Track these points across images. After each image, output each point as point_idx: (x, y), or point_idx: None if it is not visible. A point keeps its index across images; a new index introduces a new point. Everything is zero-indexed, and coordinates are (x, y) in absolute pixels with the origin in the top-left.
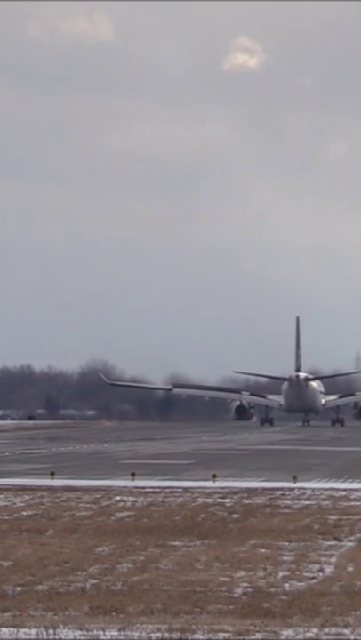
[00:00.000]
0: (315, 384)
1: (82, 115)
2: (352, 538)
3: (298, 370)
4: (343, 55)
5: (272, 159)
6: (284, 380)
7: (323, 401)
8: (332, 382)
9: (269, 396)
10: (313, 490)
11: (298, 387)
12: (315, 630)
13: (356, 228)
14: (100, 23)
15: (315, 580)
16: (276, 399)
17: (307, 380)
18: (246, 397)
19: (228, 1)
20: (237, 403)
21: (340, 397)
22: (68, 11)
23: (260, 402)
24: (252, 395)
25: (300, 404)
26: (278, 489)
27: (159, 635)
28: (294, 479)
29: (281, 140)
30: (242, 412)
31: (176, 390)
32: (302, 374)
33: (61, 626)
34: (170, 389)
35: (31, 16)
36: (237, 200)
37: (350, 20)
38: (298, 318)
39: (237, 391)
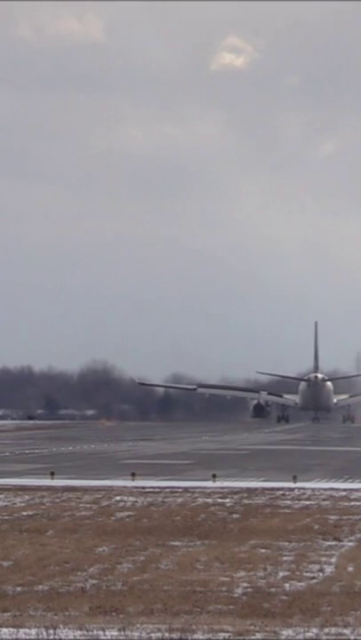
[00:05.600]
0: (330, 384)
1: (78, 115)
2: (352, 538)
3: (316, 370)
4: (330, 55)
5: (263, 158)
6: (302, 380)
7: (335, 400)
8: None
9: (286, 396)
10: (313, 490)
11: (316, 387)
12: (315, 630)
13: (354, 228)
14: (90, 23)
15: (315, 580)
16: (292, 398)
17: (324, 380)
18: (264, 397)
19: (219, 1)
20: (255, 402)
21: (351, 397)
22: (58, 11)
23: (277, 401)
24: (269, 394)
25: (315, 402)
26: (278, 489)
27: (159, 635)
28: (294, 479)
29: (271, 140)
30: (259, 410)
31: (200, 390)
32: (320, 375)
33: (61, 626)
34: (194, 389)
35: (22, 16)
36: (235, 199)
37: (338, 19)
38: (316, 323)
39: (257, 391)
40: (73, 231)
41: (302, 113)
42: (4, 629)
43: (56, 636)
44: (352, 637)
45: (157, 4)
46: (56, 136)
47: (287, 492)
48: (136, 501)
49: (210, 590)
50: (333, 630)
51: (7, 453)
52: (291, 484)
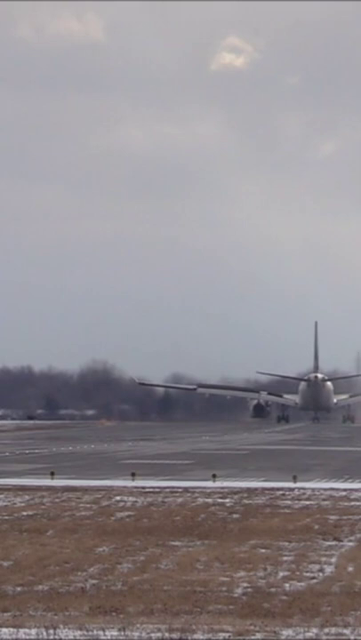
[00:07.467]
0: (330, 384)
1: (78, 115)
2: (352, 538)
3: (316, 370)
4: (330, 55)
5: (263, 158)
6: (302, 380)
7: (335, 400)
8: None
9: (286, 396)
10: (313, 490)
11: (316, 387)
12: (315, 630)
13: (354, 228)
14: (90, 23)
15: (315, 580)
16: (292, 398)
17: (324, 380)
18: (264, 397)
19: (219, 1)
20: (255, 402)
21: (351, 397)
22: (58, 11)
23: (277, 401)
24: (269, 394)
25: (315, 402)
26: (278, 489)
27: (159, 635)
28: (294, 479)
29: (271, 140)
30: (259, 410)
31: (200, 390)
32: (320, 375)
33: (61, 626)
34: (194, 389)
35: (22, 16)
36: (235, 199)
37: (338, 19)
38: (316, 323)
39: (257, 391)
40: (73, 231)
41: (302, 113)
42: (4, 629)
43: (56, 636)
44: (352, 637)
45: (157, 3)
46: (56, 136)
47: (287, 492)
48: (136, 501)
49: (210, 590)
50: (333, 630)
51: (7, 453)
52: (291, 484)
